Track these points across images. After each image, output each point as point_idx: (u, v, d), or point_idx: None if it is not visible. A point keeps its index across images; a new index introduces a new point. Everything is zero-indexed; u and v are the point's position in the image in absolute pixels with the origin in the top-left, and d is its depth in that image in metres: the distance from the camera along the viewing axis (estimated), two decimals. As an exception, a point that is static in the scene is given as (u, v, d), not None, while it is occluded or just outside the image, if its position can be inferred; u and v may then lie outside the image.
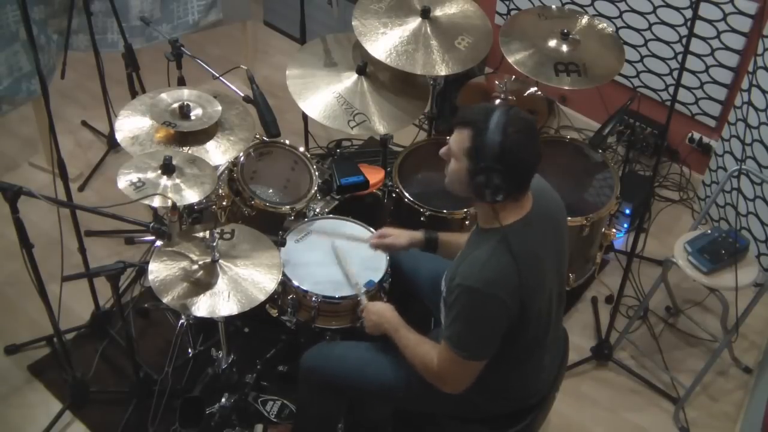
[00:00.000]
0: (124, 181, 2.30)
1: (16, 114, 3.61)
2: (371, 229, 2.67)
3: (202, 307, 2.17)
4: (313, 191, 2.81)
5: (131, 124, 2.61)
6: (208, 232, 2.29)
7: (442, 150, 2.00)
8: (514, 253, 1.89)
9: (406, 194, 2.88)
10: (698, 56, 3.39)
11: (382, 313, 2.23)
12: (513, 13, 3.85)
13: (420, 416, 2.32)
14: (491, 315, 1.91)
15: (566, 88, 2.93)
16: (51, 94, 2.43)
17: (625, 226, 3.51)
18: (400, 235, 2.42)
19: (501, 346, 1.98)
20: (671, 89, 3.33)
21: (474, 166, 1.89)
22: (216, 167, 2.57)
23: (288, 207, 2.75)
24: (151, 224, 2.17)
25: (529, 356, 2.09)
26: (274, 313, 2.59)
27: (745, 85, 3.25)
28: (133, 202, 2.24)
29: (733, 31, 3.24)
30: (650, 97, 3.66)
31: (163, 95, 2.65)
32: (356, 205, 2.93)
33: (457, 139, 1.93)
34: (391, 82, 2.94)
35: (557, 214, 2.10)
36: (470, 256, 1.96)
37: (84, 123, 3.96)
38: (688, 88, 3.51)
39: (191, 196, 2.33)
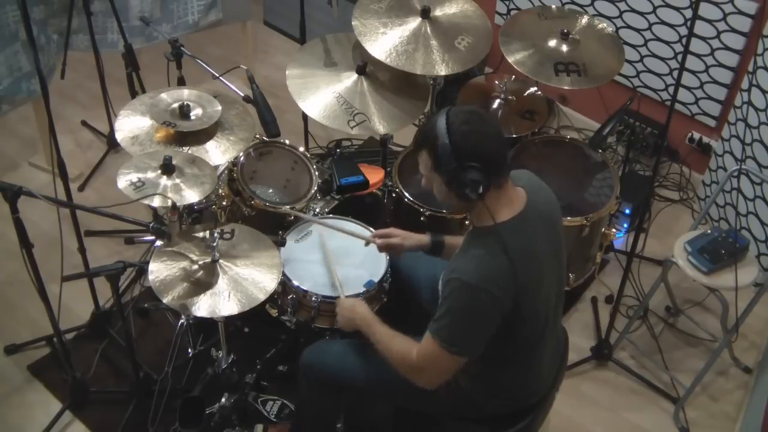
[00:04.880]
0: (124, 181, 2.30)
1: (16, 114, 3.62)
2: (371, 228, 2.67)
3: (202, 307, 2.18)
4: (313, 191, 2.81)
5: (131, 124, 2.61)
6: (208, 232, 2.29)
7: (423, 183, 2.05)
8: (509, 252, 1.89)
9: (406, 194, 2.88)
10: (698, 56, 3.39)
11: (354, 308, 2.23)
12: (513, 13, 3.85)
13: (420, 416, 2.32)
14: (484, 311, 1.91)
15: (566, 88, 2.93)
16: (51, 94, 2.43)
17: (625, 226, 3.51)
18: (407, 238, 2.39)
19: (498, 344, 1.98)
20: (671, 89, 3.33)
21: (445, 176, 1.93)
22: (216, 167, 2.57)
23: (288, 207, 2.75)
24: (151, 224, 2.17)
25: (527, 354, 2.09)
26: (274, 313, 2.59)
27: (745, 85, 3.25)
28: (133, 202, 2.24)
29: (733, 31, 3.24)
30: (650, 97, 3.66)
31: (163, 95, 2.65)
32: (356, 205, 2.93)
33: (423, 163, 1.99)
34: (391, 82, 2.94)
35: (552, 213, 2.10)
36: (467, 253, 1.97)
37: (84, 123, 3.96)
38: (688, 88, 3.51)
39: (191, 196, 2.33)
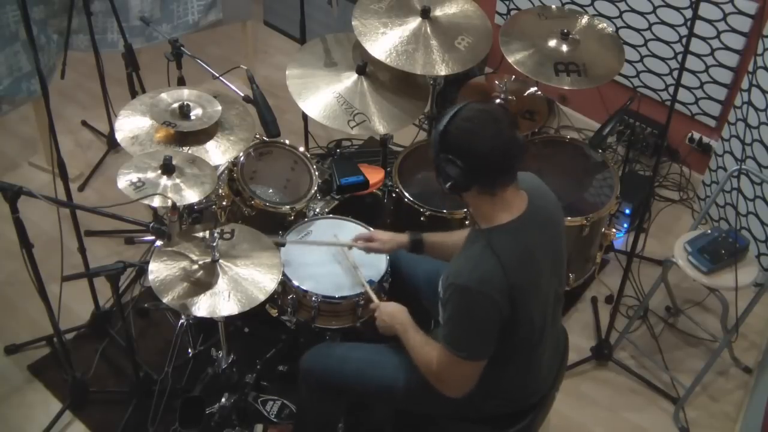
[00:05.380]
0: (124, 181, 2.30)
1: (16, 114, 3.61)
2: (370, 228, 2.66)
3: (202, 307, 2.18)
4: (313, 191, 2.81)
5: (131, 124, 2.61)
6: (208, 232, 2.29)
7: None
8: (499, 255, 1.89)
9: (406, 194, 2.88)
10: (698, 56, 3.39)
11: (394, 314, 2.22)
12: (513, 13, 3.85)
13: (420, 416, 2.32)
14: (484, 313, 1.91)
15: (566, 88, 2.93)
16: (51, 94, 2.43)
17: (625, 226, 3.51)
18: (386, 242, 2.43)
19: (497, 345, 1.98)
20: (671, 89, 3.33)
21: (434, 160, 1.96)
22: (216, 167, 2.57)
23: (288, 207, 2.75)
24: (151, 224, 2.17)
25: (526, 355, 2.09)
26: (274, 313, 2.59)
27: (745, 85, 3.25)
28: (133, 202, 2.24)
29: (733, 31, 3.24)
30: (650, 97, 3.66)
31: (163, 95, 2.65)
32: (356, 205, 2.93)
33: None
34: (391, 82, 2.94)
35: (554, 214, 2.10)
36: (463, 255, 1.98)
37: (84, 123, 3.96)
38: (688, 88, 3.51)
39: (191, 196, 2.33)
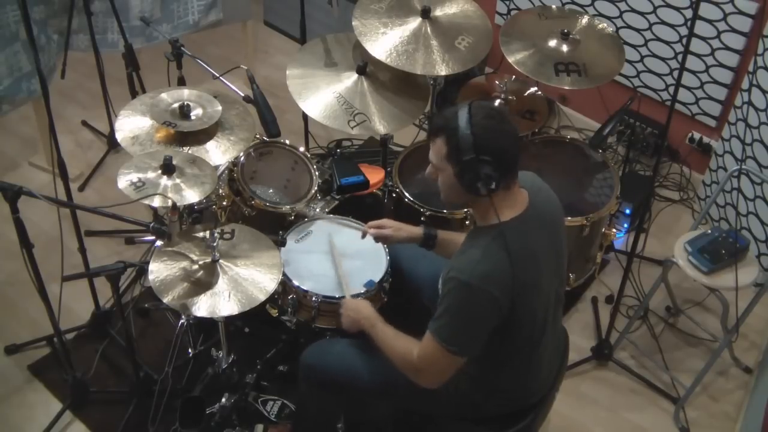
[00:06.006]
0: (124, 181, 2.30)
1: (16, 114, 3.61)
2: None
3: (203, 307, 2.18)
4: (313, 191, 2.81)
5: (131, 124, 2.61)
6: (208, 232, 2.30)
7: (427, 171, 2.03)
8: (510, 250, 1.89)
9: (406, 194, 2.89)
10: (698, 56, 3.39)
11: (359, 309, 2.23)
12: (513, 13, 3.85)
13: (420, 416, 2.32)
14: (482, 310, 1.91)
15: (566, 88, 2.93)
16: (51, 94, 2.43)
17: (625, 226, 3.51)
18: (399, 229, 2.41)
19: (497, 345, 1.98)
20: (671, 89, 3.33)
21: (458, 166, 1.92)
22: (216, 167, 2.57)
23: (288, 207, 2.75)
24: (151, 224, 2.17)
25: (526, 355, 2.09)
26: (274, 313, 2.59)
27: (745, 84, 3.25)
28: (133, 202, 2.24)
29: (733, 31, 3.24)
30: (650, 97, 3.66)
31: (164, 95, 2.65)
32: (356, 205, 2.93)
33: (435, 151, 1.98)
34: (392, 82, 2.94)
35: (555, 214, 2.10)
36: (467, 252, 1.97)
37: (84, 123, 3.96)
38: (689, 88, 3.51)
39: (191, 196, 2.33)
